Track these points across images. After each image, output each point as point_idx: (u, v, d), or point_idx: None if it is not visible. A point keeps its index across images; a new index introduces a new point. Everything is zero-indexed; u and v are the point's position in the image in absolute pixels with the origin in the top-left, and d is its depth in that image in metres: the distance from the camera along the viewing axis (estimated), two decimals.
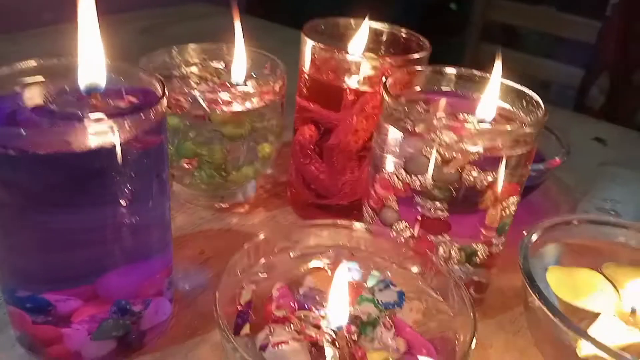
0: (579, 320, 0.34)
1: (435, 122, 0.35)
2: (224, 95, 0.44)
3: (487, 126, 0.37)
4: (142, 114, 0.30)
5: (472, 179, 0.35)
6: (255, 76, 0.49)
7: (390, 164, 0.37)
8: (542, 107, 0.37)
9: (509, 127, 0.37)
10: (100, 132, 0.29)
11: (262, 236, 0.35)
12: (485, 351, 0.39)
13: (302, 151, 0.48)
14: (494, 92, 0.37)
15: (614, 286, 0.36)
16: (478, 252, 0.38)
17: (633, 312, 0.34)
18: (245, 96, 0.45)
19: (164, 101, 0.32)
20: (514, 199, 0.37)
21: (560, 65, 1.44)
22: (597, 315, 0.34)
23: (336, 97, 0.45)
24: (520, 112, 0.39)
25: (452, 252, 0.37)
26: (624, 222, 0.40)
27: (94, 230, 0.32)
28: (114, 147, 0.29)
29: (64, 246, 0.32)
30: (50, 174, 0.29)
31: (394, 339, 0.32)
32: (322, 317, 0.32)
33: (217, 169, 0.47)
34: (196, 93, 0.43)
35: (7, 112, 0.31)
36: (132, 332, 0.35)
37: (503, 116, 0.39)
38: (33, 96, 0.31)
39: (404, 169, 0.36)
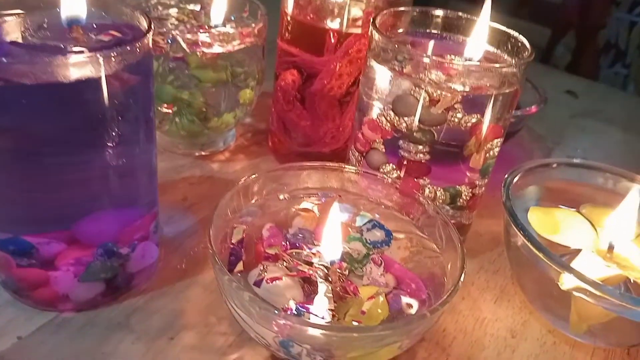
0: (559, 257, 0.36)
1: (423, 61, 0.35)
2: (204, 37, 0.43)
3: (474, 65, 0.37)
4: (127, 47, 0.29)
5: (456, 121, 0.35)
6: (234, 20, 0.48)
7: (378, 105, 0.37)
8: (527, 48, 0.37)
9: (496, 65, 0.37)
10: (82, 64, 0.27)
11: (253, 177, 0.35)
12: (466, 289, 0.40)
13: (284, 97, 0.47)
14: (481, 33, 0.37)
15: (592, 225, 0.37)
16: (462, 194, 0.38)
17: (610, 248, 0.36)
18: (225, 38, 0.44)
19: (150, 36, 0.31)
20: (498, 142, 0.38)
21: (529, 24, 1.46)
22: (576, 252, 0.36)
23: (319, 41, 0.44)
24: (506, 55, 0.39)
25: (438, 193, 0.38)
26: (600, 165, 0.41)
27: (76, 171, 0.31)
28: (98, 80, 0.28)
29: (46, 187, 0.31)
30: (32, 107, 0.28)
31: (383, 275, 0.33)
32: (314, 254, 0.32)
33: (197, 115, 0.46)
34: (176, 33, 0.42)
35: None
36: (120, 274, 0.35)
37: (489, 59, 0.39)
38: (11, 30, 0.30)
39: (392, 110, 0.36)
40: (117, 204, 0.33)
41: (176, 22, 0.46)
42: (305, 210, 0.37)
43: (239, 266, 0.31)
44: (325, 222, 0.33)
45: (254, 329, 0.29)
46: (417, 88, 0.35)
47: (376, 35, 0.36)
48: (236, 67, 0.45)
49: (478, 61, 0.38)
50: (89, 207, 0.32)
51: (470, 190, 0.39)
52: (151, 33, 0.31)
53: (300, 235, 0.35)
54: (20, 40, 0.30)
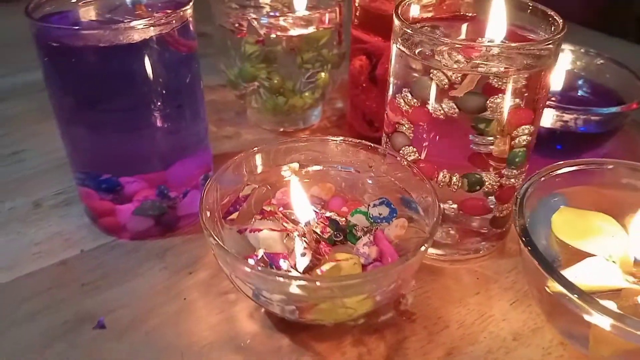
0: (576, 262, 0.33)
1: (440, 44, 0.35)
2: (281, 21, 0.48)
3: (496, 47, 0.35)
4: (166, 18, 0.35)
5: (494, 106, 0.34)
6: (316, 6, 0.52)
7: (398, 87, 0.37)
8: (558, 23, 0.34)
9: (517, 45, 0.35)
10: (139, 30, 0.35)
11: (275, 145, 0.38)
12: (486, 285, 0.38)
13: (353, 82, 0.50)
14: (501, 11, 0.36)
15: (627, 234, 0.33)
16: (486, 182, 0.37)
17: (637, 262, 0.31)
18: (301, 22, 0.48)
19: (189, 8, 0.37)
20: (527, 128, 0.36)
21: None
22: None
23: (387, 27, 0.45)
24: (540, 31, 0.37)
25: (454, 179, 0.37)
26: None
27: (161, 125, 0.39)
28: (152, 44, 0.36)
29: (139, 139, 0.39)
30: (105, 65, 0.36)
31: (367, 246, 0.34)
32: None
33: (274, 92, 0.51)
34: (252, 18, 0.47)
35: (70, 23, 0.38)
36: (169, 214, 0.42)
37: (517, 38, 0.37)
38: (89, 12, 0.38)
39: (409, 92, 0.36)
40: (183, 155, 0.41)
41: (270, 9, 0.52)
42: (324, 182, 0.39)
43: (234, 215, 0.36)
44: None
45: (231, 277, 0.32)
46: (434, 71, 0.35)
47: (396, 20, 0.36)
48: (310, 51, 0.49)
49: (502, 41, 0.36)
50: (172, 155, 0.40)
51: (498, 179, 0.37)
52: (190, 5, 0.37)
53: (310, 201, 0.38)
54: (94, 18, 0.38)
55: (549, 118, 0.46)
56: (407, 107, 0.37)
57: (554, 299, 0.29)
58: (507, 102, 0.34)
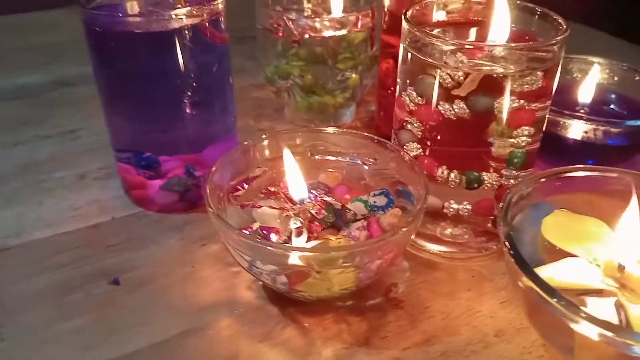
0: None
1: (441, 45, 0.36)
2: (317, 23, 0.51)
3: (499, 48, 0.36)
4: (196, 9, 0.40)
5: (479, 104, 0.35)
6: (353, 10, 0.55)
7: (404, 85, 0.39)
8: (562, 25, 0.35)
9: (516, 45, 0.36)
10: (173, 20, 0.39)
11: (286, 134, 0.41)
12: (481, 283, 0.39)
13: (380, 83, 0.52)
14: (504, 13, 0.37)
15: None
16: (486, 181, 0.38)
17: (621, 268, 0.31)
18: (335, 25, 0.51)
19: (220, 3, 0.41)
20: (527, 129, 0.36)
21: None
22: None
23: None
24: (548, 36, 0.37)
25: (452, 175, 0.38)
26: None
27: (176, 112, 0.43)
28: (185, 33, 0.40)
29: (161, 122, 0.43)
30: (140, 50, 0.40)
31: (359, 230, 0.36)
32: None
33: (306, 91, 0.54)
34: (287, 18, 0.51)
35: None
36: (193, 191, 0.45)
37: (522, 40, 0.38)
38: (134, 5, 0.43)
39: (414, 90, 0.38)
40: (212, 141, 0.45)
41: (311, 13, 0.56)
42: (330, 171, 0.41)
43: (239, 192, 0.39)
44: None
45: (228, 247, 0.35)
46: (438, 70, 0.36)
47: (404, 24, 0.38)
48: (342, 52, 0.52)
49: (505, 42, 0.37)
50: (202, 141, 0.45)
51: (498, 179, 0.38)
52: (221, 0, 0.41)
53: (314, 186, 0.40)
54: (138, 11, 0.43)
55: (576, 129, 0.46)
56: (412, 104, 0.38)
57: (529, 297, 0.30)
58: (506, 102, 0.35)
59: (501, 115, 0.36)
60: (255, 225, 0.36)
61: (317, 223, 0.36)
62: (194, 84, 0.42)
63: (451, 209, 0.39)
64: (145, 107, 0.43)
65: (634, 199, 0.32)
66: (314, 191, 0.39)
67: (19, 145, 0.55)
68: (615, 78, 0.53)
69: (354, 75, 0.54)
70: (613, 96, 0.52)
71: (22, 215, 0.45)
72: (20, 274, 0.39)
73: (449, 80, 0.36)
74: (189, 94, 0.42)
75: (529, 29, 0.39)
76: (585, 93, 0.50)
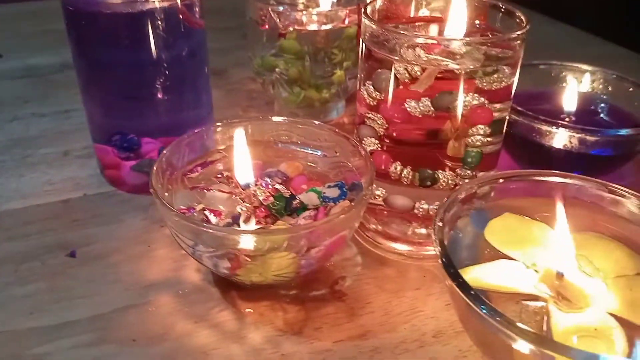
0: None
1: (397, 39, 0.36)
2: (304, 17, 0.51)
3: (456, 43, 0.35)
4: None
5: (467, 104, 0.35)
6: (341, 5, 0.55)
7: (363, 80, 0.39)
8: (523, 22, 0.34)
9: (471, 40, 0.35)
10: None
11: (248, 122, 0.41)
12: (431, 283, 0.38)
13: None
14: (461, 8, 0.36)
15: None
16: (440, 179, 0.37)
17: (559, 275, 0.30)
18: (322, 20, 0.51)
19: None
20: (482, 128, 0.35)
21: None
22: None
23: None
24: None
25: (405, 172, 0.37)
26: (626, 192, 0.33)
27: (148, 93, 0.44)
28: (157, 14, 0.41)
29: (136, 103, 0.44)
30: (117, 30, 0.41)
31: (305, 219, 0.36)
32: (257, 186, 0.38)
33: (290, 84, 0.54)
34: (272, 11, 0.51)
35: None
36: None
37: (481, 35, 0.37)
38: None
39: (372, 84, 0.38)
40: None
41: (302, 7, 0.56)
42: (292, 161, 0.42)
43: (193, 175, 0.39)
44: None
45: (170, 229, 0.35)
46: (395, 65, 0.36)
47: (365, 20, 0.37)
48: (327, 47, 0.52)
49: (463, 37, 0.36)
50: (176, 126, 0.45)
51: (453, 178, 0.37)
52: None
53: (272, 174, 0.40)
54: None
55: (557, 137, 0.44)
56: (370, 99, 0.38)
57: (454, 297, 0.29)
58: (460, 99, 0.35)
59: (456, 113, 0.35)
60: (199, 207, 0.36)
61: (263, 209, 0.36)
62: (166, 69, 0.43)
63: (421, 210, 0.39)
64: (120, 91, 0.44)
65: (559, 205, 0.31)
66: (268, 179, 0.39)
67: (15, 121, 0.57)
68: (609, 88, 0.51)
69: (338, 71, 0.53)
70: (603, 105, 0.50)
71: (1, 185, 0.47)
72: None
73: (406, 75, 0.36)
74: (161, 78, 0.43)
75: (494, 26, 0.38)
76: (571, 101, 0.48)
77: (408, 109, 0.36)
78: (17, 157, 0.51)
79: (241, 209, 0.36)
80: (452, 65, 0.35)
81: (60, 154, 0.52)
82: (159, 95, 0.44)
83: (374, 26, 0.36)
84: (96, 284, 0.38)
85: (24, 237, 0.41)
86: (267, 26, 0.53)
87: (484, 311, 0.25)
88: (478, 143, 0.36)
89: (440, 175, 0.37)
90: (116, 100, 0.44)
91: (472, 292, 0.26)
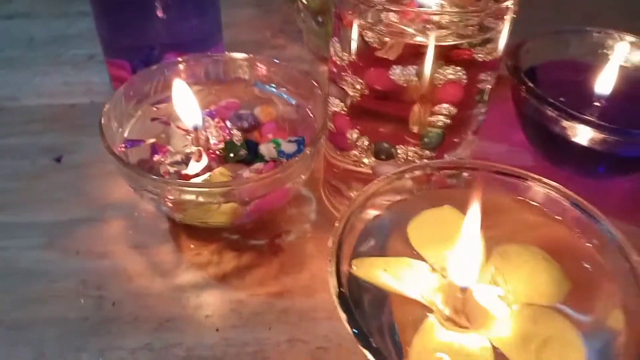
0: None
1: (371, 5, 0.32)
2: None
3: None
4: None
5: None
6: None
7: (334, 41, 0.35)
8: None
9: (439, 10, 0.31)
10: None
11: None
12: None
13: None
14: None
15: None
16: (399, 155, 0.35)
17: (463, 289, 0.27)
18: None
19: None
20: (446, 108, 0.32)
21: None
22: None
23: None
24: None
25: (359, 142, 0.35)
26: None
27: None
28: None
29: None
30: None
31: (252, 172, 0.36)
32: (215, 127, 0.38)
33: (314, 13, 0.51)
34: None
35: None
36: None
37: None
38: None
39: (338, 42, 0.34)
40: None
41: None
42: (267, 105, 0.41)
43: (160, 105, 0.39)
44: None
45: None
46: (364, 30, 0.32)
47: None
48: None
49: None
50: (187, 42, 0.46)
51: (414, 156, 0.34)
52: None
53: (244, 116, 0.40)
54: None
55: (580, 134, 0.38)
56: (336, 57, 0.35)
57: None
58: (426, 69, 0.31)
59: (417, 89, 0.32)
60: (150, 141, 0.37)
61: (212, 151, 0.36)
62: None
63: None
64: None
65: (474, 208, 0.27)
66: (236, 120, 0.39)
67: (62, 17, 0.60)
68: None
69: None
70: None
71: (25, 82, 0.51)
72: None
73: (375, 39, 0.32)
74: None
75: None
76: (604, 82, 0.42)
77: (392, 77, 0.33)
78: (50, 54, 0.55)
79: (190, 150, 0.36)
80: (419, 37, 0.31)
81: (85, 57, 0.54)
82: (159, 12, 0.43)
83: None
84: (66, 192, 0.41)
85: (24, 135, 0.45)
86: None
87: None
88: (440, 123, 0.33)
89: (399, 151, 0.35)
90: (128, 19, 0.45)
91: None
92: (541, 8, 0.55)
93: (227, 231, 0.38)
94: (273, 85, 0.41)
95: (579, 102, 0.41)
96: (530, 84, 0.39)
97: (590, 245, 0.29)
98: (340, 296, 0.25)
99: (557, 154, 0.42)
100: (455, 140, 0.35)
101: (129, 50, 0.47)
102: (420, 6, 0.32)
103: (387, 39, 0.32)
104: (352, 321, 0.24)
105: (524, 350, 0.25)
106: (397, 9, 0.32)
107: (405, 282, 0.28)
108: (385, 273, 0.28)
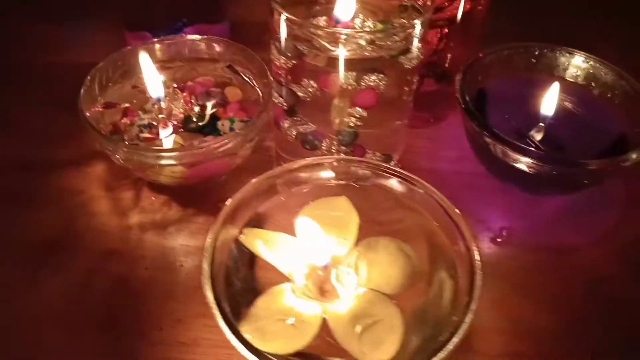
0: None
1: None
2: None
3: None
4: None
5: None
6: None
7: (272, 44, 0.38)
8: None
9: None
10: None
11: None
12: None
13: None
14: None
15: None
16: (324, 148, 0.39)
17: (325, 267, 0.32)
18: None
19: None
20: (359, 112, 0.36)
21: None
22: None
23: None
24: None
25: (289, 131, 0.40)
26: None
27: None
28: None
29: None
30: None
31: (200, 142, 0.42)
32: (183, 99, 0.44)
33: None
34: None
35: None
36: None
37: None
38: None
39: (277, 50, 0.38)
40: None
41: None
42: (232, 86, 0.46)
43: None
44: None
45: None
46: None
47: None
48: None
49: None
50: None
51: (335, 150, 0.39)
52: None
53: (213, 93, 0.45)
54: None
55: (521, 160, 0.39)
56: (274, 58, 0.38)
57: None
58: (340, 77, 0.35)
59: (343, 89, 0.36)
60: (124, 105, 0.43)
61: (174, 121, 0.43)
62: None
63: None
64: None
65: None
66: (198, 98, 0.45)
67: None
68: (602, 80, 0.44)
69: None
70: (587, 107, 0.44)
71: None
72: None
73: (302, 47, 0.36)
74: None
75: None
76: (550, 99, 0.43)
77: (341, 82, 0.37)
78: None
79: (154, 117, 0.42)
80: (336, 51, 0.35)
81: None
82: None
83: None
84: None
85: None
86: None
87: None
88: (351, 124, 0.37)
89: (323, 144, 0.39)
90: None
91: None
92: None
93: (183, 189, 0.44)
94: (239, 69, 0.46)
95: (525, 119, 0.43)
96: (473, 109, 0.40)
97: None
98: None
99: (499, 172, 0.44)
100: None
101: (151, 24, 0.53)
102: (338, 21, 0.36)
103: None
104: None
105: (350, 326, 0.30)
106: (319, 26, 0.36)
107: (278, 254, 0.33)
108: (264, 245, 0.34)
